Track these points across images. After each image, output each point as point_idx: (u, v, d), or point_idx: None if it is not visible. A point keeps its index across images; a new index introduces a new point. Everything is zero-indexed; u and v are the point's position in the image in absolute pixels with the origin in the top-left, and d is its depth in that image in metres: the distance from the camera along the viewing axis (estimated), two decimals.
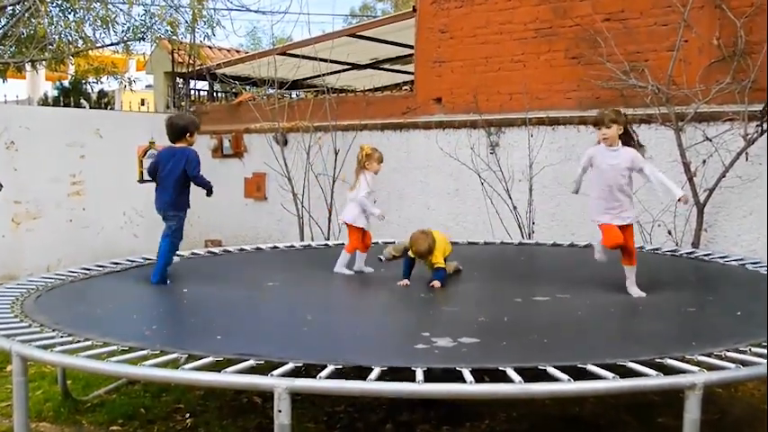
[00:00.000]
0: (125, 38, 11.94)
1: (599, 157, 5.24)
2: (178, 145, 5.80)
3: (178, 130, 5.81)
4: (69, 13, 11.72)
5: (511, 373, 3.20)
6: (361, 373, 3.28)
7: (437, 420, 4.80)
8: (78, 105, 11.50)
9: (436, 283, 5.55)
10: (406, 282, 5.66)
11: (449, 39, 9.30)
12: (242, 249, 7.46)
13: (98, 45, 11.92)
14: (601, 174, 5.22)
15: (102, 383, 5.61)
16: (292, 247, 7.78)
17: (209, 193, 5.88)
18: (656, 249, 7.01)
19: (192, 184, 5.79)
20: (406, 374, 3.28)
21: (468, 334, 4.01)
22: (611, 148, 5.19)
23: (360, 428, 4.80)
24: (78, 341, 3.91)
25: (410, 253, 5.67)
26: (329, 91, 10.13)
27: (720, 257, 6.45)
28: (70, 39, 11.70)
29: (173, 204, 5.75)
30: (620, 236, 5.10)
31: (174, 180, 5.70)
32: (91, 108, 13.65)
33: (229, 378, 3.31)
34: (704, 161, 7.42)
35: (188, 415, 5.08)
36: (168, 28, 11.65)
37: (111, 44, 11.99)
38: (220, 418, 5.00)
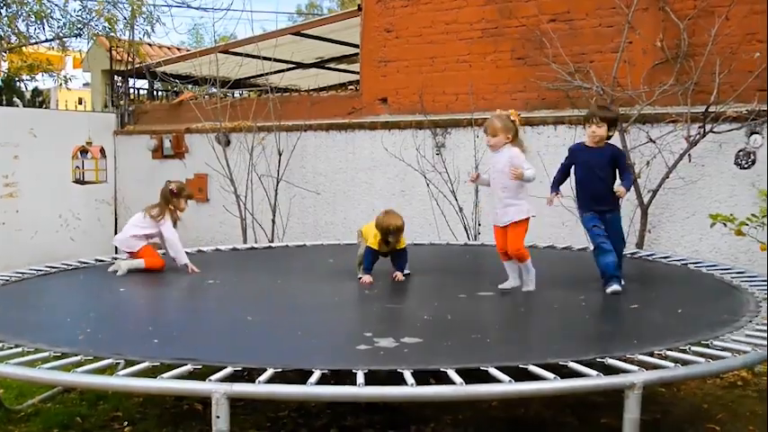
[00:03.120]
0: (60, 34, 11.66)
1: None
2: None
3: None
4: (1, 8, 11.39)
5: (452, 374, 3.16)
6: (302, 376, 3.18)
7: (381, 424, 4.73)
8: (11, 104, 11.15)
9: (399, 275, 5.60)
10: (369, 279, 5.51)
11: (394, 38, 9.24)
12: (184, 252, 7.26)
13: (32, 41, 11.62)
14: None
15: (37, 392, 5.42)
16: (235, 249, 7.63)
17: None
18: None
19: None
20: (349, 377, 3.19)
21: (411, 333, 3.95)
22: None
23: None
24: (9, 348, 3.74)
25: (369, 241, 5.59)
26: (273, 90, 10.00)
27: (663, 257, 6.50)
28: (2, 34, 11.38)
29: None
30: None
31: None
32: (24, 107, 13.29)
33: (165, 384, 3.18)
34: (648, 162, 7.49)
35: (126, 423, 4.95)
36: (106, 24, 11.44)
37: (46, 40, 11.75)
38: (160, 426, 4.88)
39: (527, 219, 5.11)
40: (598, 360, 3.35)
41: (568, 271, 6.30)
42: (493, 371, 3.17)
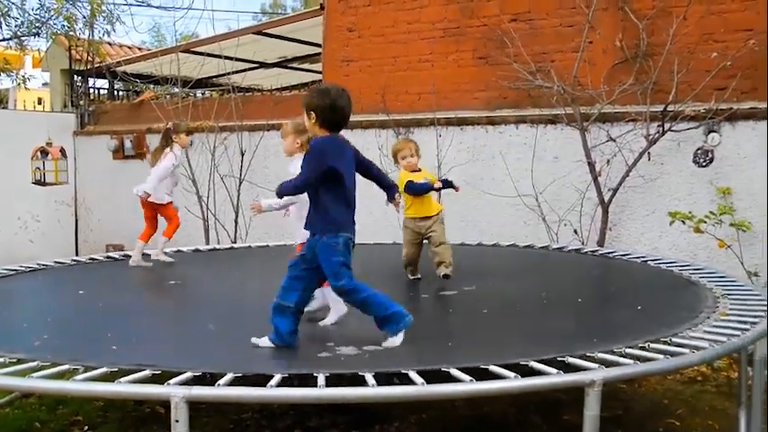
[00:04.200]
0: (18, 33, 11.47)
1: None
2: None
3: None
4: None
5: (413, 375, 3.15)
6: (264, 380, 3.15)
7: (346, 425, 4.73)
8: None
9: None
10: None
11: (357, 38, 9.23)
12: (144, 254, 7.18)
13: None
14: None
15: None
16: (197, 250, 7.57)
17: None
18: (562, 248, 7.09)
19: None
20: (311, 381, 3.17)
21: (372, 341, 3.85)
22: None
23: None
24: None
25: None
26: (235, 90, 9.93)
27: (623, 255, 6.57)
28: None
29: None
30: None
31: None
32: None
33: (124, 388, 3.14)
34: (608, 161, 7.56)
35: (86, 427, 4.93)
36: (65, 23, 11.28)
37: (3, 39, 11.52)
38: (121, 430, 4.85)
39: None
40: (559, 359, 3.37)
41: (530, 270, 6.35)
42: (455, 372, 3.18)
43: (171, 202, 6.67)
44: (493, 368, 3.22)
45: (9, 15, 11.26)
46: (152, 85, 11.49)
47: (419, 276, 5.64)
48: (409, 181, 5.43)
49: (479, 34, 8.40)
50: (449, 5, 8.60)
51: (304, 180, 3.83)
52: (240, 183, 9.51)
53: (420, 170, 5.60)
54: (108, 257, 7.09)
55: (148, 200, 6.48)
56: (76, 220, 11.52)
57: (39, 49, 12.91)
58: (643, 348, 3.56)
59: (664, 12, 7.39)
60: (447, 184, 5.72)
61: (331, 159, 3.78)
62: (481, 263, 6.61)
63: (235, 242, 9.23)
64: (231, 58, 10.10)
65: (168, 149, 6.54)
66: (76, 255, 10.62)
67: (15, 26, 11.59)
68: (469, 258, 6.87)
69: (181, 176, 6.85)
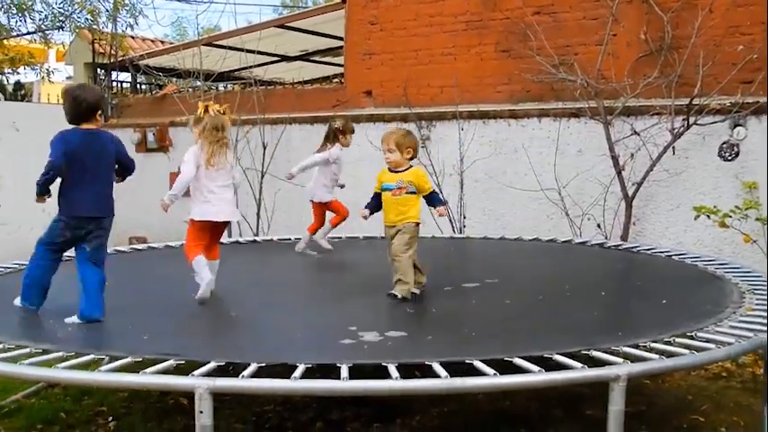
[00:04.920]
0: (42, 26, 11.56)
1: None
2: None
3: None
4: None
5: (437, 367, 3.14)
6: (287, 370, 3.16)
7: (367, 417, 4.72)
8: None
9: (442, 210, 5.03)
10: (365, 212, 4.99)
11: (379, 31, 9.21)
12: (167, 246, 7.22)
13: (13, 34, 11.51)
14: None
15: (20, 387, 5.37)
16: (220, 243, 7.57)
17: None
18: (585, 242, 7.05)
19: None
20: (334, 371, 3.17)
21: (395, 327, 3.94)
22: None
23: (289, 428, 4.70)
24: None
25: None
26: (257, 83, 9.94)
27: (647, 249, 6.52)
28: None
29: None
30: None
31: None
32: (6, 100, 13.15)
33: (149, 379, 3.16)
34: (632, 155, 7.51)
35: (111, 418, 4.92)
36: (88, 17, 11.36)
37: (28, 33, 11.62)
38: (145, 421, 4.85)
39: (188, 222, 5.32)
40: (583, 352, 3.35)
41: (553, 263, 6.32)
42: (478, 364, 3.17)
43: (335, 198, 6.84)
44: (517, 361, 3.21)
45: (33, 9, 11.36)
46: (174, 79, 11.52)
47: (396, 294, 4.66)
48: (375, 193, 5.00)
49: (502, 27, 8.36)
50: None
51: (47, 166, 4.57)
52: (262, 176, 9.53)
53: (407, 170, 4.92)
54: (132, 249, 7.14)
55: (313, 200, 6.77)
56: None
57: (62, 43, 13.00)
58: (668, 343, 3.54)
59: (689, 4, 7.32)
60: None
61: (62, 148, 4.45)
62: (504, 257, 6.59)
63: (257, 235, 9.25)
64: (253, 52, 10.13)
65: (329, 145, 6.69)
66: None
67: (39, 20, 11.72)
68: (492, 252, 6.87)
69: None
